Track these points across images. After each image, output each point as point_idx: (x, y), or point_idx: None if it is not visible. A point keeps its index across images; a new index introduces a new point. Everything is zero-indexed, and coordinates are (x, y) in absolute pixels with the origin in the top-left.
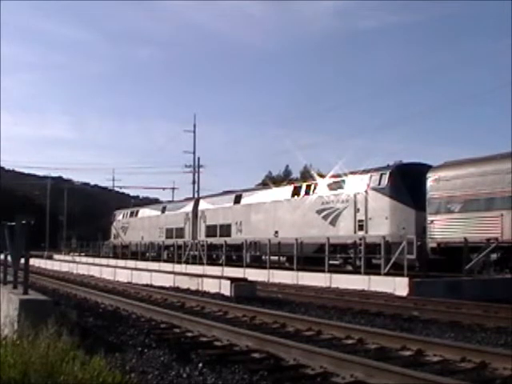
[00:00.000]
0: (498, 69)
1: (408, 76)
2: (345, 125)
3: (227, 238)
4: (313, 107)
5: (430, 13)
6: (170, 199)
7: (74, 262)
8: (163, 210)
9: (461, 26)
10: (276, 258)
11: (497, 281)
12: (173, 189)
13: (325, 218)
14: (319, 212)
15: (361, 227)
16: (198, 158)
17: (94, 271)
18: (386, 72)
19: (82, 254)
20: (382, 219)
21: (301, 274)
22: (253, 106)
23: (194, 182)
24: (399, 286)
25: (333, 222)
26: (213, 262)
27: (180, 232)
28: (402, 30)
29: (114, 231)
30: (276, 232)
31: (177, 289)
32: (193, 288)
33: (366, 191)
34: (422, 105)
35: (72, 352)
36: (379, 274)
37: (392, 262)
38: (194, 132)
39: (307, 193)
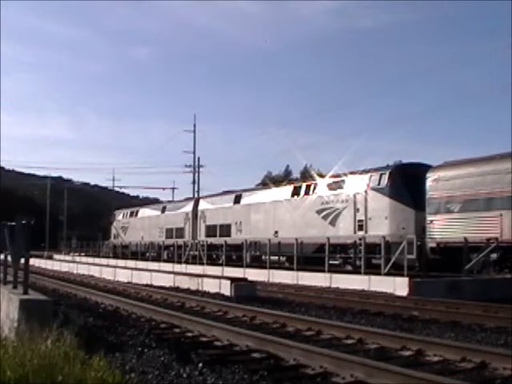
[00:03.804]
0: (498, 69)
1: (408, 76)
2: (345, 125)
3: (227, 238)
4: (312, 107)
5: (429, 12)
6: (170, 199)
7: (74, 261)
8: (163, 210)
9: (461, 26)
10: (276, 258)
11: (497, 281)
12: (173, 189)
13: (325, 217)
14: (319, 212)
15: (361, 227)
16: (198, 158)
17: (94, 271)
18: (386, 72)
19: (82, 253)
20: (382, 219)
21: (301, 273)
22: (252, 106)
23: (193, 182)
24: (399, 286)
25: (333, 222)
26: (213, 262)
27: (180, 232)
28: (401, 29)
29: (113, 231)
30: (276, 232)
31: (177, 289)
32: (193, 288)
33: (365, 191)
34: (422, 105)
35: (72, 352)
36: (379, 274)
37: (392, 261)
38: (194, 132)
39: (307, 193)
